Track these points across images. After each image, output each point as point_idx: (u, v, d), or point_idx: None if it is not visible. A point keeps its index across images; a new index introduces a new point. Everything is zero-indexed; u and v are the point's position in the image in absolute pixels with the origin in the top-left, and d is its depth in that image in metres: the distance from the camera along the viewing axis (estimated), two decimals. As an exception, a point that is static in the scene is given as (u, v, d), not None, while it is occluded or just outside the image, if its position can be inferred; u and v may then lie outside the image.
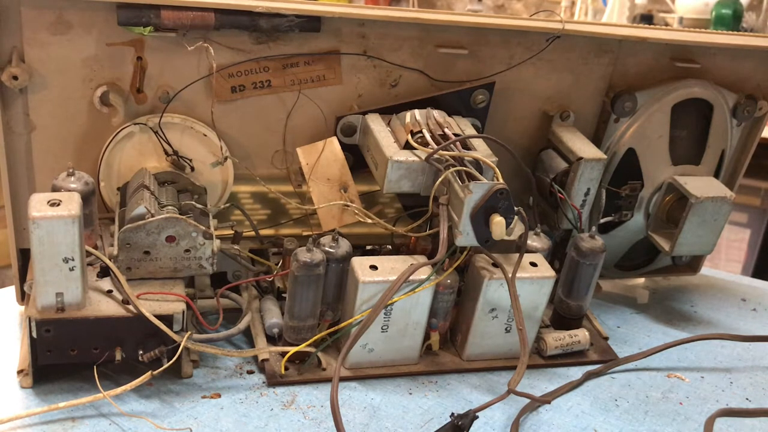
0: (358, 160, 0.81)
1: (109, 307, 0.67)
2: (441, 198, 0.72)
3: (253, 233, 0.83)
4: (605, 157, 0.83)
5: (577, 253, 0.81)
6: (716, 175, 0.94)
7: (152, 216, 0.68)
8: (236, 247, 0.80)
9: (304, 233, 0.85)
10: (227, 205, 0.81)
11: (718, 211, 0.86)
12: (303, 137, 0.81)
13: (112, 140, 0.75)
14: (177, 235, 0.69)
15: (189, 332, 0.68)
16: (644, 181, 0.90)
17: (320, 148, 0.79)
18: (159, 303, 0.68)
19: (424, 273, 0.71)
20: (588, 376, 0.79)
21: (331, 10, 0.74)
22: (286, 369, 0.74)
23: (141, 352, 0.67)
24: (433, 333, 0.77)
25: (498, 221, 0.68)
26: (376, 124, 0.78)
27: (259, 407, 0.70)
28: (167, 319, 0.67)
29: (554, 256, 0.86)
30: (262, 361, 0.74)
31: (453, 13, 0.80)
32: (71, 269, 0.63)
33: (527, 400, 0.72)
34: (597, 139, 0.89)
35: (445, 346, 0.80)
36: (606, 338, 0.87)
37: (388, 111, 0.81)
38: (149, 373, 0.66)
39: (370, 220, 0.78)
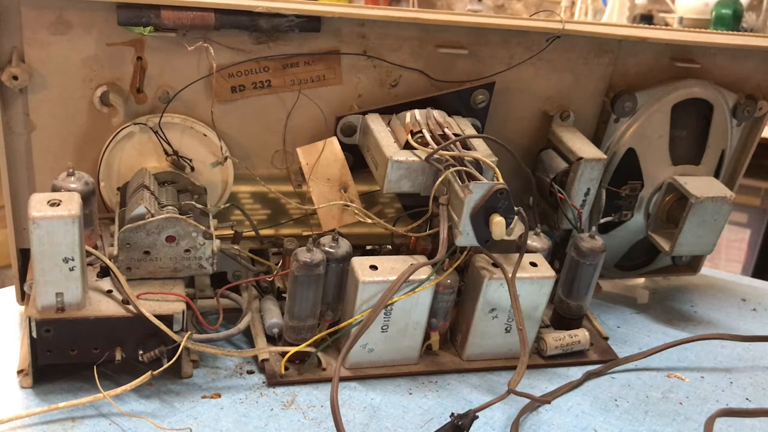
0: (358, 160, 0.81)
1: (109, 307, 0.67)
2: (441, 198, 0.72)
3: (253, 233, 0.83)
4: (605, 157, 0.83)
5: (577, 253, 0.81)
6: (716, 175, 0.94)
7: (152, 216, 0.68)
8: (236, 247, 0.80)
9: (304, 233, 0.85)
10: (227, 205, 0.81)
11: (718, 211, 0.86)
12: (303, 137, 0.81)
13: (112, 140, 0.75)
14: (177, 235, 0.69)
15: (189, 332, 0.68)
16: (644, 181, 0.90)
17: (320, 148, 0.79)
18: (159, 303, 0.68)
19: (424, 273, 0.71)
20: (588, 376, 0.79)
21: (331, 10, 0.74)
22: (286, 369, 0.74)
23: (141, 352, 0.67)
24: (433, 333, 0.77)
25: (498, 221, 0.68)
26: (376, 124, 0.78)
27: (259, 407, 0.70)
28: (167, 319, 0.67)
29: (554, 256, 0.86)
30: (262, 361, 0.74)
31: (453, 13, 0.80)
32: (71, 269, 0.63)
33: (527, 400, 0.72)
34: (597, 139, 0.89)
35: (445, 346, 0.80)
36: (606, 338, 0.87)
37: (388, 111, 0.81)
38: (149, 373, 0.66)
39: (370, 220, 0.78)
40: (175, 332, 0.67)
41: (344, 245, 0.73)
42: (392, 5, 2.65)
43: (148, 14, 0.69)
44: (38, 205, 0.61)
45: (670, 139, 0.89)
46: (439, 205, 0.72)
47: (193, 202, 0.74)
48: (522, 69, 0.84)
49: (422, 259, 0.73)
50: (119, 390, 0.66)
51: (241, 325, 0.75)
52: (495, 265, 0.75)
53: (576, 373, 0.80)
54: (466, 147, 0.76)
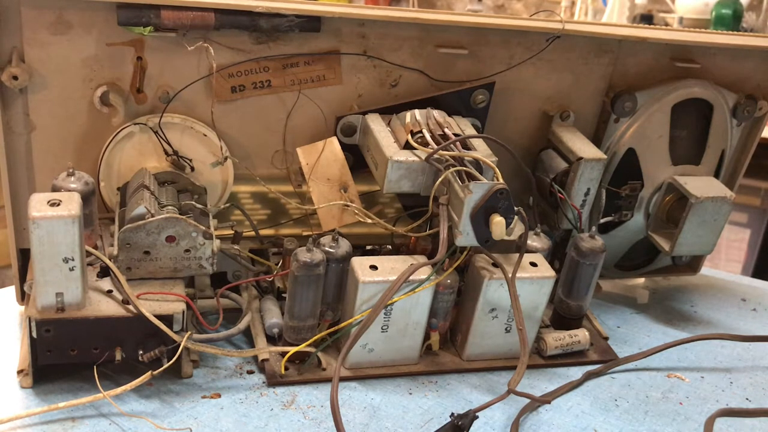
0: (358, 160, 0.81)
1: (109, 307, 0.67)
2: (441, 198, 0.72)
3: (253, 233, 0.83)
4: (605, 157, 0.83)
5: (577, 253, 0.81)
6: (716, 175, 0.94)
7: (152, 216, 0.68)
8: (236, 247, 0.80)
9: (304, 233, 0.85)
10: (227, 205, 0.81)
11: (718, 211, 0.86)
12: (303, 137, 0.81)
13: (112, 140, 0.75)
14: (177, 235, 0.69)
15: (189, 332, 0.68)
16: (644, 181, 0.90)
17: (320, 148, 0.79)
18: (159, 303, 0.68)
19: (424, 273, 0.71)
20: (588, 376, 0.79)
21: (331, 10, 0.74)
22: (286, 369, 0.74)
23: (141, 352, 0.67)
24: (433, 333, 0.77)
25: (498, 221, 0.68)
26: (376, 124, 0.78)
27: (259, 407, 0.70)
28: (167, 319, 0.67)
29: (554, 256, 0.86)
30: (262, 361, 0.74)
31: (453, 13, 0.80)
32: (71, 269, 0.63)
33: (527, 400, 0.72)
34: (597, 139, 0.89)
35: (445, 346, 0.80)
36: (606, 338, 0.87)
37: (388, 111, 0.81)
38: (149, 373, 0.66)
39: (370, 220, 0.78)
40: (175, 332, 0.67)
41: (344, 245, 0.73)
42: (392, 5, 2.65)
43: (148, 14, 0.69)
44: (38, 205, 0.61)
45: (670, 139, 0.89)
46: (439, 205, 0.72)
47: (193, 202, 0.74)
48: (522, 69, 0.84)
49: (422, 259, 0.73)
50: (119, 390, 0.66)
51: (241, 325, 0.75)
52: (495, 265, 0.75)
53: (576, 373, 0.80)
54: (466, 147, 0.76)
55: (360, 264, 0.71)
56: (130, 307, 0.67)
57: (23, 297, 0.78)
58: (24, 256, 0.77)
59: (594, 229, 0.83)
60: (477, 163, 0.73)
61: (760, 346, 0.90)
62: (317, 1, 0.79)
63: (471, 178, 0.70)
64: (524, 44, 0.82)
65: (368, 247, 0.88)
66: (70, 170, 0.69)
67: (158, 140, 0.76)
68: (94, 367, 0.66)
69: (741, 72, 0.92)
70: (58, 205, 0.61)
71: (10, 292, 0.82)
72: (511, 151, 0.75)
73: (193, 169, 0.78)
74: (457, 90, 0.82)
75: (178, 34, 0.72)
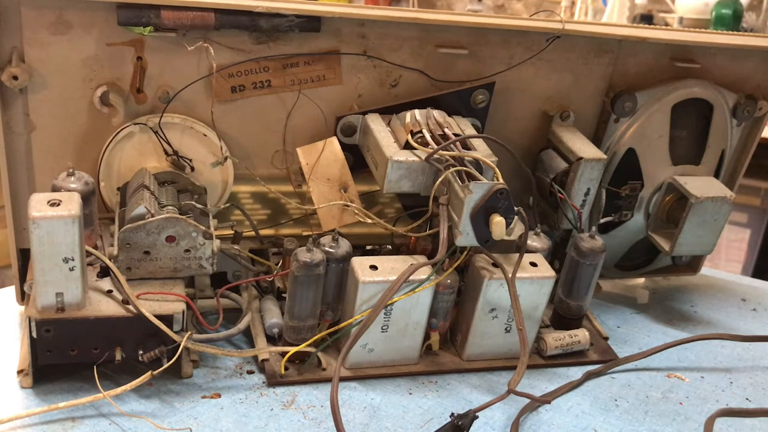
0: (358, 160, 0.81)
1: (109, 307, 0.67)
2: (441, 198, 0.72)
3: (253, 233, 0.83)
4: (605, 157, 0.83)
5: (577, 253, 0.81)
6: (716, 175, 0.94)
7: (152, 216, 0.68)
8: (236, 247, 0.80)
9: (304, 233, 0.85)
10: (227, 205, 0.81)
11: (718, 211, 0.86)
12: (303, 137, 0.81)
13: (112, 140, 0.75)
14: (177, 235, 0.69)
15: (189, 332, 0.68)
16: (644, 181, 0.90)
17: (320, 148, 0.79)
18: (159, 303, 0.68)
19: (424, 273, 0.71)
20: (588, 376, 0.79)
21: (331, 10, 0.74)
22: (286, 369, 0.74)
23: (141, 352, 0.67)
24: (433, 333, 0.77)
25: (498, 221, 0.68)
26: (376, 124, 0.78)
27: (259, 407, 0.70)
28: (167, 319, 0.67)
29: (554, 256, 0.86)
30: (262, 361, 0.74)
31: (453, 13, 0.80)
32: (71, 269, 0.63)
33: (527, 400, 0.72)
34: (597, 139, 0.89)
35: (445, 346, 0.80)
36: (606, 338, 0.87)
37: (388, 111, 0.81)
38: (149, 373, 0.66)
39: (370, 220, 0.78)
40: (175, 332, 0.67)
41: (344, 245, 0.73)
42: (392, 5, 2.65)
43: (148, 14, 0.69)
44: (38, 205, 0.61)
45: (670, 139, 0.89)
46: (439, 205, 0.72)
47: (193, 202, 0.74)
48: (522, 69, 0.84)
49: (422, 259, 0.73)
50: (119, 390, 0.66)
51: (241, 325, 0.75)
52: (495, 265, 0.75)
53: (576, 373, 0.80)
54: (466, 147, 0.76)
55: (360, 264, 0.71)
56: (130, 307, 0.67)
57: (23, 297, 0.78)
58: (24, 256, 0.77)
59: (594, 229, 0.83)
60: (477, 163, 0.73)
61: (760, 346, 0.90)
62: (317, 1, 0.79)
63: (471, 178, 0.70)
64: (524, 44, 0.82)
65: (368, 247, 0.88)
66: (70, 170, 0.69)
67: (158, 140, 0.76)
68: (94, 367, 0.66)
69: (741, 72, 0.92)
70: (58, 205, 0.61)
71: (10, 292, 0.82)
72: (511, 151, 0.75)
73: (193, 169, 0.78)
74: (457, 90, 0.82)
75: (178, 34, 0.72)
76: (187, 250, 0.70)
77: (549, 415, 0.73)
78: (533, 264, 0.76)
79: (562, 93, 0.87)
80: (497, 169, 0.72)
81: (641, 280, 1.04)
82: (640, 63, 0.88)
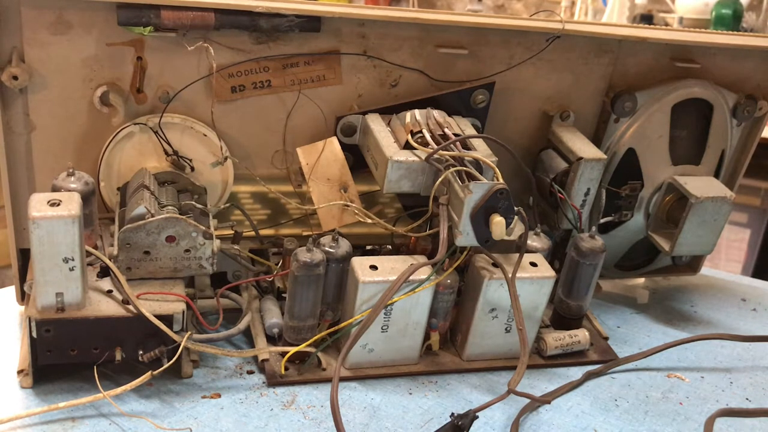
0: (358, 160, 0.81)
1: (109, 307, 0.67)
2: (441, 198, 0.72)
3: (253, 233, 0.83)
4: (605, 157, 0.83)
5: (577, 253, 0.81)
6: (716, 175, 0.94)
7: (152, 216, 0.68)
8: (236, 247, 0.80)
9: (304, 233, 0.85)
10: (227, 205, 0.81)
11: (718, 211, 0.86)
12: (303, 137, 0.81)
13: (112, 140, 0.75)
14: (177, 235, 0.69)
15: (189, 332, 0.68)
16: (644, 181, 0.90)
17: (320, 148, 0.79)
18: (159, 303, 0.68)
19: (424, 273, 0.71)
20: (588, 376, 0.79)
21: (331, 10, 0.74)
22: (286, 369, 0.74)
23: (141, 352, 0.67)
24: (433, 333, 0.77)
25: (498, 221, 0.68)
26: (376, 124, 0.78)
27: (259, 407, 0.70)
28: (167, 319, 0.67)
29: (554, 256, 0.86)
30: (262, 361, 0.74)
31: (453, 13, 0.80)
32: (71, 269, 0.63)
33: (527, 400, 0.72)
34: (597, 139, 0.89)
35: (445, 346, 0.80)
36: (606, 338, 0.87)
37: (388, 111, 0.81)
38: (149, 373, 0.66)
39: (370, 220, 0.78)
40: (175, 332, 0.67)
41: (344, 245, 0.73)
42: (392, 5, 2.65)
43: (148, 14, 0.69)
44: (38, 205, 0.61)
45: (670, 139, 0.89)
46: (439, 205, 0.72)
47: (193, 202, 0.74)
48: (522, 69, 0.84)
49: (422, 259, 0.73)
50: (119, 390, 0.66)
51: (241, 325, 0.75)
52: (495, 265, 0.75)
53: (576, 373, 0.80)
54: (466, 147, 0.76)
55: (360, 264, 0.71)
56: (130, 307, 0.67)
57: (23, 297, 0.78)
58: (24, 256, 0.77)
59: (594, 229, 0.83)
60: (477, 163, 0.73)
61: (760, 346, 0.90)
62: (317, 1, 0.79)
63: (471, 178, 0.70)
64: (524, 44, 0.82)
65: (368, 247, 0.88)
66: (70, 170, 0.69)
67: (158, 140, 0.76)
68: (94, 367, 0.66)
69: (741, 72, 0.92)
70: (58, 205, 0.61)
71: (10, 292, 0.82)
72: (511, 151, 0.75)
73: (193, 169, 0.78)
74: (457, 90, 0.82)
75: (178, 34, 0.72)
76: (187, 250, 0.70)
77: (549, 415, 0.73)
78: (533, 264, 0.76)
79: (562, 93, 0.87)
80: (497, 169, 0.72)
81: (641, 280, 1.05)
82: (640, 63, 0.88)
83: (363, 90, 0.81)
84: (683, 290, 1.04)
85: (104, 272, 0.71)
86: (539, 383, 0.78)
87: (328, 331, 0.74)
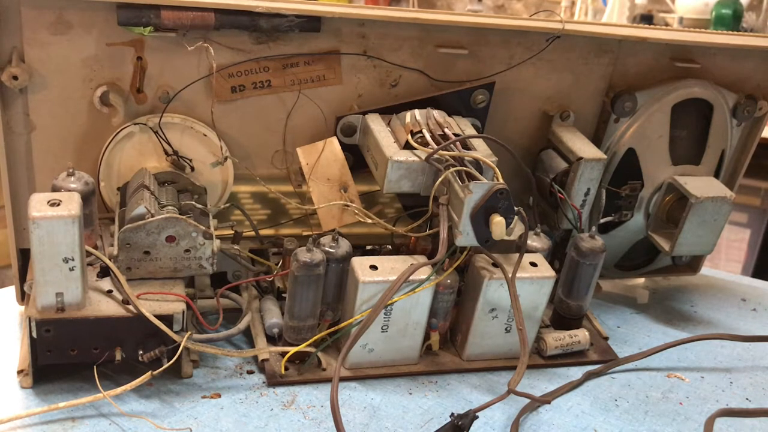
0: (358, 160, 0.81)
1: (109, 307, 0.67)
2: (441, 198, 0.72)
3: (253, 233, 0.83)
4: (605, 157, 0.83)
5: (577, 253, 0.81)
6: (716, 175, 0.94)
7: (152, 216, 0.68)
8: (236, 247, 0.80)
9: (304, 233, 0.85)
10: (227, 205, 0.81)
11: (718, 211, 0.86)
12: (303, 137, 0.81)
13: (112, 140, 0.75)
14: (177, 235, 0.69)
15: (189, 332, 0.68)
16: (644, 181, 0.90)
17: (320, 148, 0.79)
18: (159, 303, 0.68)
19: (424, 273, 0.71)
20: (588, 376, 0.79)
21: (331, 10, 0.74)
22: (286, 369, 0.74)
23: (141, 352, 0.67)
24: (433, 333, 0.77)
25: (498, 221, 0.68)
26: (376, 124, 0.78)
27: (259, 407, 0.70)
28: (167, 319, 0.67)
29: (554, 256, 0.86)
30: (262, 361, 0.74)
31: (453, 13, 0.80)
32: (71, 269, 0.63)
33: (527, 400, 0.72)
34: (597, 139, 0.89)
35: (445, 346, 0.80)
36: (606, 338, 0.87)
37: (388, 111, 0.81)
38: (149, 373, 0.66)
39: (370, 220, 0.78)
40: (175, 332, 0.67)
41: (344, 245, 0.73)
42: (392, 5, 2.65)
43: (148, 14, 0.69)
44: (38, 205, 0.61)
45: (670, 139, 0.89)
46: (439, 205, 0.72)
47: (193, 202, 0.74)
48: (522, 69, 0.84)
49: (422, 259, 0.73)
50: (119, 390, 0.66)
51: (241, 325, 0.75)
52: (495, 265, 0.75)
53: (576, 373, 0.80)
54: (466, 147, 0.76)
55: (360, 264, 0.71)
56: (130, 307, 0.67)
57: (23, 297, 0.78)
58: (24, 256, 0.77)
59: (594, 229, 0.83)
60: (477, 163, 0.73)
61: (760, 346, 0.90)
62: (317, 1, 0.79)
63: (471, 178, 0.70)
64: (524, 44, 0.82)
65: (368, 247, 0.88)
66: (70, 170, 0.69)
67: (158, 140, 0.76)
68: (94, 367, 0.66)
69: (741, 72, 0.92)
70: (58, 205, 0.61)
71: (10, 292, 0.82)
72: (511, 151, 0.75)
73: (193, 169, 0.78)
74: (457, 90, 0.82)
75: (178, 34, 0.72)
76: (187, 250, 0.70)
77: (549, 415, 0.73)
78: (533, 264, 0.76)
79: (562, 93, 0.87)
80: (497, 169, 0.72)
81: (641, 280, 1.05)
82: (640, 63, 0.88)
83: (363, 90, 0.81)
84: (683, 290, 1.04)
85: (104, 272, 0.71)
86: (539, 383, 0.78)
87: (328, 331, 0.74)
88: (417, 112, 0.78)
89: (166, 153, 0.76)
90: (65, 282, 0.64)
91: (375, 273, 0.70)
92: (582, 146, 0.83)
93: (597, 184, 0.84)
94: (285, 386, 0.73)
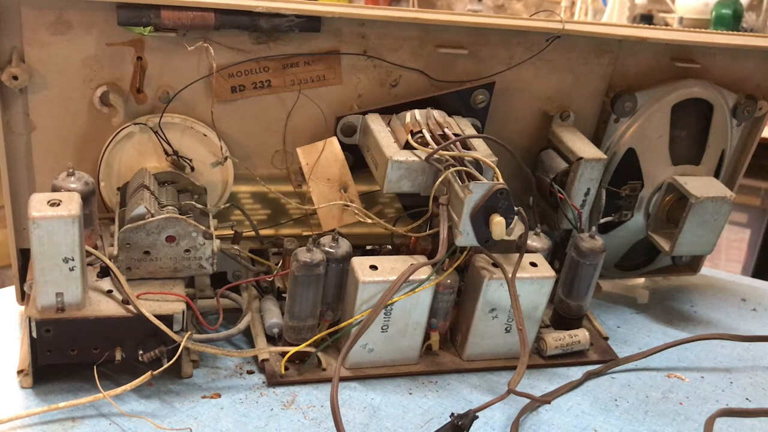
0: (358, 160, 0.81)
1: (109, 307, 0.67)
2: (441, 198, 0.72)
3: (253, 233, 0.83)
4: (605, 157, 0.83)
5: (577, 253, 0.81)
6: (716, 175, 0.94)
7: (152, 216, 0.68)
8: (236, 247, 0.80)
9: (304, 233, 0.85)
10: (227, 205, 0.81)
11: (718, 211, 0.86)
12: (303, 137, 0.81)
13: (112, 140, 0.75)
14: (177, 235, 0.69)
15: (189, 332, 0.68)
16: (644, 181, 0.90)
17: (320, 148, 0.79)
18: (159, 303, 0.68)
19: (424, 273, 0.71)
20: (588, 376, 0.79)
21: (331, 10, 0.74)
22: (286, 369, 0.74)
23: (141, 352, 0.67)
24: (433, 333, 0.77)
25: (498, 221, 0.68)
26: (376, 124, 0.78)
27: (259, 407, 0.70)
28: (167, 319, 0.67)
29: (554, 256, 0.86)
30: (262, 361, 0.74)
31: (453, 13, 0.80)
32: (71, 269, 0.63)
33: (527, 400, 0.72)
34: (597, 139, 0.89)
35: (445, 346, 0.80)
36: (606, 338, 0.87)
37: (388, 111, 0.81)
38: (149, 373, 0.66)
39: (370, 220, 0.78)
40: (175, 332, 0.67)
41: (344, 245, 0.73)
42: (392, 5, 2.65)
43: (148, 14, 0.69)
44: (38, 205, 0.61)
45: (670, 139, 0.89)
46: (439, 205, 0.72)
47: (193, 202, 0.74)
48: (522, 69, 0.84)
49: (422, 259, 0.73)
50: (119, 390, 0.66)
51: (241, 325, 0.75)
52: (495, 265, 0.75)
53: (576, 373, 0.80)
54: (466, 147, 0.76)
55: (360, 264, 0.71)
56: (130, 307, 0.67)
57: (23, 297, 0.78)
58: (24, 256, 0.77)
59: (594, 229, 0.83)
60: (477, 163, 0.73)
61: (760, 346, 0.90)
62: (317, 1, 0.79)
63: (471, 178, 0.70)
64: (524, 44, 0.82)
65: (368, 247, 0.88)
66: (70, 170, 0.69)
67: (158, 140, 0.76)
68: (94, 367, 0.66)
69: (741, 72, 0.92)
70: (58, 205, 0.61)
71: (10, 292, 0.82)
72: (511, 151, 0.75)
73: (193, 169, 0.78)
74: (457, 90, 0.82)
75: (178, 34, 0.72)
76: (187, 250, 0.70)
77: (549, 415, 0.73)
78: (533, 264, 0.76)
79: (562, 93, 0.87)
80: (497, 169, 0.72)
81: (641, 280, 1.05)
82: (640, 63, 0.88)
83: (363, 90, 0.81)
84: (683, 290, 1.04)
85: (104, 272, 0.71)
86: (539, 383, 0.78)
87: (328, 331, 0.74)
88: (417, 112, 0.78)
89: (166, 153, 0.76)
90: (65, 282, 0.64)
91: (375, 273, 0.70)
92: (582, 146, 0.83)
93: (597, 184, 0.84)
94: (285, 386, 0.73)
